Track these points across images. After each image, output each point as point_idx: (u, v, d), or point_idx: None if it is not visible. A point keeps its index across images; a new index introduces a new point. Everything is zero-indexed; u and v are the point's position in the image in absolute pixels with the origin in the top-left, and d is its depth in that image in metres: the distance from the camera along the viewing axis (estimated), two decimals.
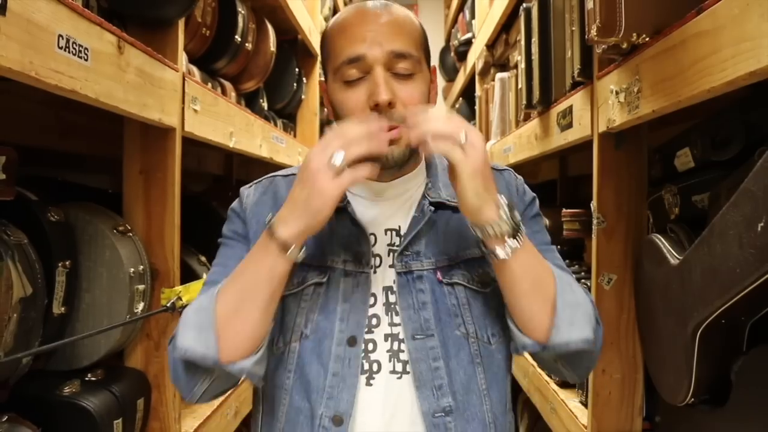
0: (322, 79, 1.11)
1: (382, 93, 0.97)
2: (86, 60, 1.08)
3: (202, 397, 1.03)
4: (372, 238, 1.05)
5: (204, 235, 1.33)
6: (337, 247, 1.04)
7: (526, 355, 1.10)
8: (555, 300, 0.97)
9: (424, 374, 1.00)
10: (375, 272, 1.04)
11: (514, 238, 0.94)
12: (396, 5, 1.07)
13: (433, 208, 1.05)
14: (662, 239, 1.37)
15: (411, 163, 1.07)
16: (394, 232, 1.06)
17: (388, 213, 1.08)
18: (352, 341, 1.00)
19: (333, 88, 1.04)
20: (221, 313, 0.95)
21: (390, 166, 1.01)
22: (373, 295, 1.03)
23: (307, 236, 0.95)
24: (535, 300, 0.97)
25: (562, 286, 0.99)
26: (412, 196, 1.09)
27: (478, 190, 0.92)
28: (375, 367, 1.01)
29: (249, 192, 1.13)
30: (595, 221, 1.55)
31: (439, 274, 1.04)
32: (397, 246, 1.05)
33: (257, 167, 1.91)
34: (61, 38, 1.00)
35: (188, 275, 1.76)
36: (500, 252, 0.94)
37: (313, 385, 1.01)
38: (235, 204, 1.14)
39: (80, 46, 1.06)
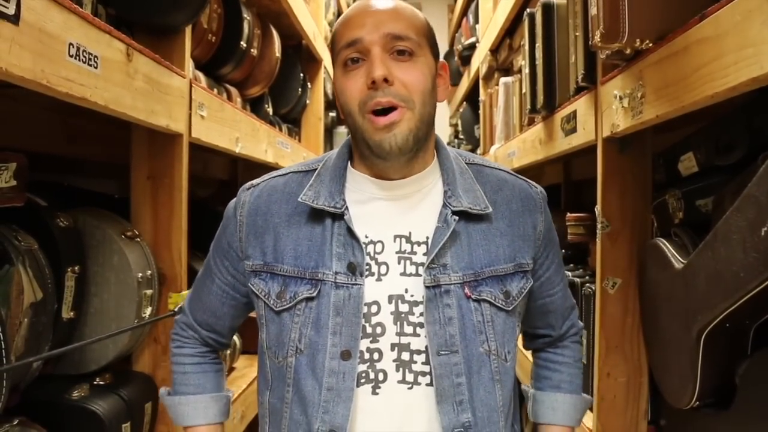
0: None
1: (377, 69, 0.97)
2: (96, 68, 1.10)
3: None
4: (379, 245, 1.03)
5: (210, 240, 1.34)
6: (330, 258, 1.02)
7: (530, 357, 1.10)
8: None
9: (446, 390, 0.99)
10: (380, 280, 1.02)
11: None
12: (402, 2, 1.07)
13: (456, 218, 1.03)
14: (666, 243, 1.38)
15: (418, 152, 1.04)
16: (403, 239, 1.03)
17: (397, 216, 1.05)
18: (345, 355, 0.99)
19: (336, 77, 1.04)
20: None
21: (394, 154, 1.00)
22: (376, 303, 1.01)
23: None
24: None
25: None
26: (425, 196, 1.06)
27: None
28: (381, 376, 1.00)
29: (246, 196, 1.12)
30: (599, 225, 1.56)
31: (467, 290, 1.02)
32: (409, 253, 1.03)
33: (262, 172, 1.92)
34: (71, 46, 1.02)
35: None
36: None
37: (309, 399, 1.00)
38: (230, 207, 1.14)
39: (90, 54, 1.08)
